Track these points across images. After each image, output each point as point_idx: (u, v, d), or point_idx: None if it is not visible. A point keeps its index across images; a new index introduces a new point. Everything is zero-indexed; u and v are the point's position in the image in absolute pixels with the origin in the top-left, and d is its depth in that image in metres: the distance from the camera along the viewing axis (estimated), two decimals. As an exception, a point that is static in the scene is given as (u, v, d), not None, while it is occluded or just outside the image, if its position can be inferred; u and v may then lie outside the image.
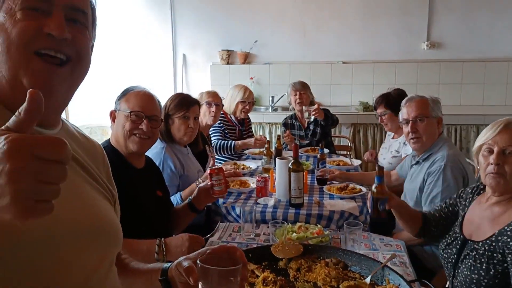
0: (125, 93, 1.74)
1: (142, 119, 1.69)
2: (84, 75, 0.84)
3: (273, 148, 3.20)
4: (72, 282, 0.72)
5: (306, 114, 3.41)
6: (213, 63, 5.01)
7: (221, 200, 2.34)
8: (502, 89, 4.74)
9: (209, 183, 1.82)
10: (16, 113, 0.53)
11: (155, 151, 2.25)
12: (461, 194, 1.77)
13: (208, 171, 1.86)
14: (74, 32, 0.77)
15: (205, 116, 3.14)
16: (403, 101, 2.37)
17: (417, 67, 4.83)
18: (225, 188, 1.84)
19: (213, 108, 3.14)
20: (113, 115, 1.75)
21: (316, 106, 3.40)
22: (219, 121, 3.46)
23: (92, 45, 0.86)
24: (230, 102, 3.56)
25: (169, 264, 0.96)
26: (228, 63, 4.96)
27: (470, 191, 1.73)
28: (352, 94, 4.89)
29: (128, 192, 1.65)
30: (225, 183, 1.84)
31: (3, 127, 0.52)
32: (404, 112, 2.32)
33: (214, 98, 3.18)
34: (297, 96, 3.67)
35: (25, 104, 0.52)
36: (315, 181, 2.68)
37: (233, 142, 3.39)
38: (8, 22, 0.72)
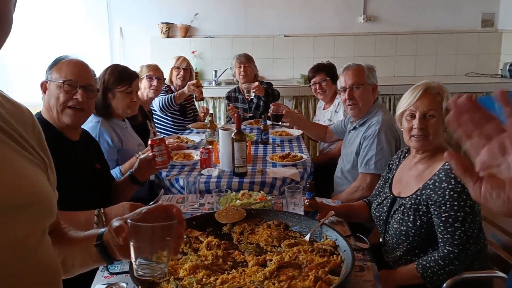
0: (57, 62, 1.65)
1: (76, 88, 1.62)
2: (5, 36, 0.77)
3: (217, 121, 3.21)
4: (0, 252, 0.70)
5: (247, 92, 3.42)
6: (153, 37, 4.85)
7: (164, 173, 2.32)
8: (433, 60, 5.02)
9: (151, 154, 1.80)
10: None
11: (90, 125, 2.17)
12: (390, 164, 1.90)
13: (149, 142, 1.83)
14: None
15: (145, 89, 3.07)
16: (341, 70, 2.46)
17: (354, 40, 4.97)
18: (168, 159, 1.83)
19: (154, 82, 3.08)
20: (44, 86, 1.66)
21: (256, 83, 3.41)
22: (163, 91, 3.41)
23: (15, 2, 0.79)
24: (168, 72, 3.58)
25: (105, 229, 0.94)
26: (168, 37, 4.83)
27: (396, 157, 1.86)
28: (294, 67, 4.96)
29: (64, 166, 1.59)
30: (167, 153, 1.82)
31: None
32: (342, 80, 2.41)
33: (155, 72, 3.11)
34: (242, 69, 3.66)
35: None
36: (259, 146, 2.75)
37: (172, 95, 3.38)
38: None
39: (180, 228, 0.89)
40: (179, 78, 3.59)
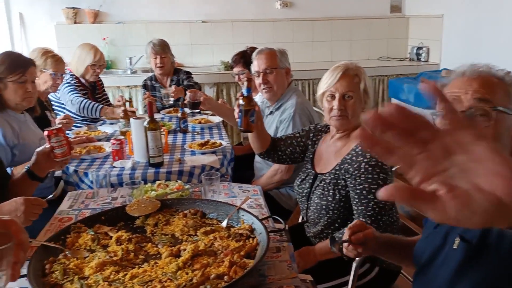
0: None
1: None
2: None
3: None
4: None
5: (165, 97, 3.22)
6: (58, 23, 4.48)
7: (71, 168, 2.15)
8: (347, 45, 5.22)
9: (48, 145, 1.64)
10: None
11: None
12: (313, 128, 1.91)
13: (45, 133, 1.66)
14: None
15: (45, 84, 2.76)
16: (254, 54, 2.44)
17: (272, 26, 5.00)
18: (68, 150, 1.67)
19: (59, 81, 2.83)
20: None
21: (173, 88, 3.21)
22: (70, 79, 3.14)
23: None
24: (78, 64, 3.22)
25: None
26: (75, 23, 4.48)
27: (320, 129, 1.89)
28: (214, 53, 4.87)
29: None
30: (68, 144, 1.67)
31: None
32: (255, 65, 2.40)
33: (60, 68, 2.82)
34: (158, 60, 3.46)
35: None
36: (178, 138, 2.65)
37: (99, 105, 3.10)
38: None
39: (19, 251, 0.75)
40: (93, 75, 3.30)
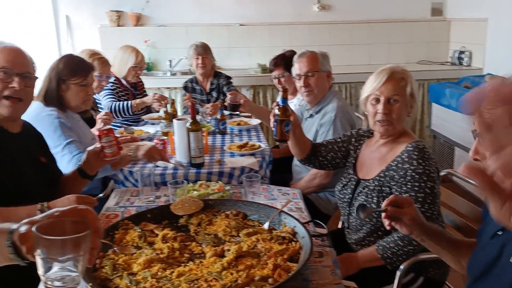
0: (-11, 50, 1.51)
1: (12, 76, 1.49)
2: None
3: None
4: None
5: (204, 116, 3.24)
6: (102, 26, 4.64)
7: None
8: (386, 49, 5.14)
9: (99, 145, 1.70)
10: None
11: (44, 114, 2.06)
12: (355, 133, 1.89)
13: (96, 133, 1.73)
14: None
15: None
16: (295, 57, 2.45)
17: (309, 29, 4.99)
18: (118, 150, 1.73)
19: (104, 82, 2.94)
20: (-24, 76, 1.52)
21: (210, 105, 3.22)
22: (111, 84, 3.25)
23: None
24: (121, 66, 3.33)
25: (18, 225, 0.83)
26: (118, 25, 4.63)
27: (362, 133, 1.87)
28: (250, 56, 4.91)
29: (4, 160, 1.48)
30: (117, 144, 1.72)
31: None
32: (297, 68, 2.40)
33: (106, 71, 2.93)
34: (199, 61, 3.56)
35: None
36: (218, 135, 2.73)
37: (129, 102, 3.21)
38: None
39: (95, 238, 0.80)
40: (135, 76, 3.42)
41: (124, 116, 3.22)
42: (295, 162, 2.53)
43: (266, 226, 1.51)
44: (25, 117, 1.66)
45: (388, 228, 1.19)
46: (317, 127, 2.34)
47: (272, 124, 1.76)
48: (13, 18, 4.37)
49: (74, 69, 2.15)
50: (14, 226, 0.83)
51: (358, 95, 4.61)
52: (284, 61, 3.07)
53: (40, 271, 0.75)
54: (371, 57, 5.12)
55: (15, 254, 0.82)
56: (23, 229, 0.80)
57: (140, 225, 1.52)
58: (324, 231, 1.53)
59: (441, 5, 5.14)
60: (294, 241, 1.39)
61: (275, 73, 3.13)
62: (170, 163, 2.14)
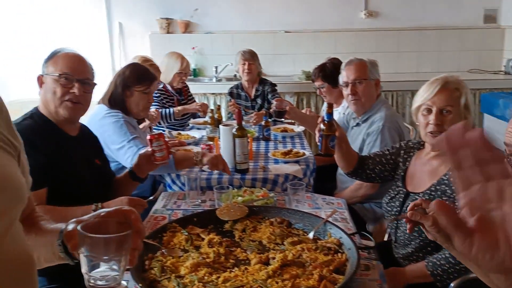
0: (53, 55, 1.61)
1: (73, 82, 1.58)
2: None
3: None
4: None
5: (249, 123, 3.26)
6: (152, 32, 4.80)
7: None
8: (435, 56, 4.98)
9: (150, 149, 1.76)
10: None
11: (111, 114, 2.18)
12: (404, 145, 1.84)
13: (148, 137, 1.79)
14: None
15: None
16: (343, 64, 2.42)
17: (356, 36, 4.92)
18: (167, 154, 1.79)
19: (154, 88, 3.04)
20: (40, 80, 1.62)
21: (254, 114, 3.26)
22: (156, 90, 3.35)
23: None
24: (166, 72, 3.43)
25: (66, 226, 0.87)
26: (168, 32, 4.78)
27: (411, 145, 1.81)
28: (295, 63, 4.91)
29: (62, 161, 1.57)
30: (167, 148, 1.78)
31: None
32: (344, 75, 2.37)
33: (158, 78, 3.05)
34: (246, 66, 3.62)
35: None
36: (262, 140, 2.77)
37: (172, 109, 3.31)
38: None
39: (137, 238, 0.82)
40: (180, 82, 3.51)
41: (169, 122, 3.31)
42: (340, 171, 2.49)
43: (311, 235, 1.50)
44: (91, 117, 1.75)
45: (408, 231, 1.17)
46: (364, 136, 2.30)
47: (317, 138, 1.76)
48: (70, 25, 4.62)
49: (139, 77, 2.27)
50: (63, 226, 0.87)
51: (405, 104, 4.50)
52: (323, 72, 3.06)
53: (83, 269, 0.78)
54: (419, 65, 4.98)
55: (64, 253, 0.85)
56: (70, 227, 0.84)
57: (187, 228, 1.56)
58: (371, 243, 1.50)
59: (495, 12, 4.92)
60: (340, 252, 1.38)
61: (316, 84, 3.15)
62: (229, 175, 2.17)
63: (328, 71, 3.03)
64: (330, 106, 1.74)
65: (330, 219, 1.59)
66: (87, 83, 1.62)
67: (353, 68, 2.33)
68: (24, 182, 0.80)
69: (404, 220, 1.61)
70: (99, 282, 0.77)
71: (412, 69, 4.98)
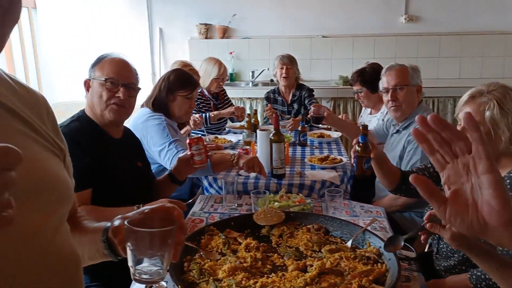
0: (99, 60, 1.67)
1: (118, 86, 1.63)
2: (14, 23, 0.72)
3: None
4: (13, 242, 0.67)
5: (285, 128, 3.26)
6: (191, 38, 4.90)
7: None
8: (478, 62, 4.81)
9: (189, 153, 1.79)
10: None
11: (154, 117, 2.24)
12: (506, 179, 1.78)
13: (187, 141, 1.82)
14: None
15: None
16: (383, 70, 2.37)
17: (395, 41, 4.84)
18: (206, 158, 1.81)
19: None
20: (87, 84, 1.69)
21: (291, 121, 3.24)
22: None
23: None
24: (204, 77, 3.49)
25: (110, 223, 0.91)
26: (206, 38, 4.86)
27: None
28: (332, 68, 4.87)
29: (105, 163, 1.62)
30: (205, 152, 1.80)
31: None
32: (384, 81, 2.33)
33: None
34: (284, 71, 3.62)
35: None
36: (298, 145, 2.76)
37: (207, 114, 3.36)
38: None
39: (180, 234, 0.84)
40: (217, 87, 3.57)
41: (205, 126, 3.36)
42: (379, 178, 2.45)
43: (349, 244, 1.48)
44: (134, 120, 1.81)
45: (422, 241, 1.17)
46: (405, 143, 2.24)
47: (352, 160, 1.76)
48: (113, 30, 4.78)
49: (183, 82, 2.34)
50: (109, 224, 0.91)
51: (446, 110, 4.37)
52: (361, 76, 3.03)
53: (130, 262, 0.81)
54: (462, 71, 4.82)
55: (108, 249, 0.89)
56: (116, 223, 0.87)
57: (224, 232, 1.57)
58: (412, 254, 1.46)
59: (543, 16, 4.71)
60: (380, 262, 1.34)
61: (354, 88, 3.12)
62: (266, 178, 2.17)
63: (368, 76, 2.99)
64: (365, 128, 1.73)
65: (369, 228, 1.56)
66: (132, 88, 1.68)
67: (393, 73, 2.29)
68: (70, 183, 0.83)
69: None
70: (144, 276, 0.80)
71: (454, 75, 4.83)
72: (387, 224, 1.74)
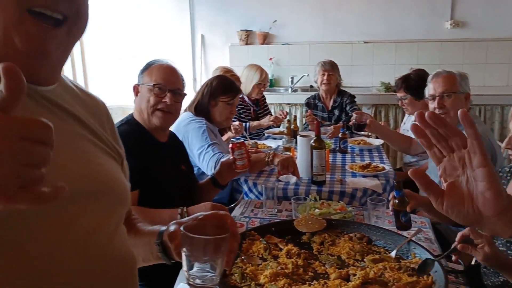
0: (148, 67, 1.73)
1: (165, 92, 1.68)
2: (83, 32, 0.76)
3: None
4: (73, 242, 0.70)
5: (325, 136, 3.24)
6: (232, 44, 4.96)
7: (242, 177, 2.34)
8: (529, 69, 4.60)
9: (231, 157, 1.81)
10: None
11: (195, 120, 2.30)
12: (498, 171, 1.71)
13: (230, 145, 1.85)
14: None
15: None
16: (430, 77, 2.32)
17: (440, 47, 4.70)
18: (248, 163, 1.83)
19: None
20: (136, 89, 1.75)
21: (331, 129, 3.21)
22: None
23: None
24: (246, 83, 3.53)
25: (166, 227, 0.93)
26: (247, 44, 4.91)
27: (507, 169, 1.68)
28: (373, 74, 4.79)
29: (152, 165, 1.66)
30: (248, 157, 1.82)
31: None
32: (431, 88, 2.27)
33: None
34: (325, 77, 3.60)
35: (4, 81, 0.46)
36: (338, 151, 2.74)
37: (247, 123, 3.38)
38: None
39: (233, 242, 0.85)
40: (259, 93, 3.59)
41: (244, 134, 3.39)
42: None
43: (393, 254, 1.44)
44: (177, 124, 1.86)
45: (454, 262, 1.15)
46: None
47: (390, 213, 1.74)
48: (157, 36, 4.92)
49: (225, 88, 2.39)
50: (164, 227, 0.93)
51: (493, 119, 4.19)
52: (406, 82, 2.97)
53: (185, 267, 0.82)
54: (510, 78, 4.62)
55: (162, 252, 0.91)
56: (172, 228, 0.89)
57: (265, 237, 1.57)
58: (459, 267, 1.41)
59: None
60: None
61: (398, 95, 3.05)
62: (298, 179, 2.16)
63: (412, 82, 2.92)
64: (399, 183, 1.69)
65: (413, 238, 1.51)
66: (178, 93, 1.72)
67: (441, 80, 2.22)
68: (127, 187, 0.86)
69: (498, 243, 1.50)
70: (198, 281, 0.81)
71: (502, 82, 4.63)
72: (432, 235, 1.69)
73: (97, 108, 0.88)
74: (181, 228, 0.80)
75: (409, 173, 0.67)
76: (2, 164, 0.44)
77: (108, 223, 0.78)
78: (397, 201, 1.66)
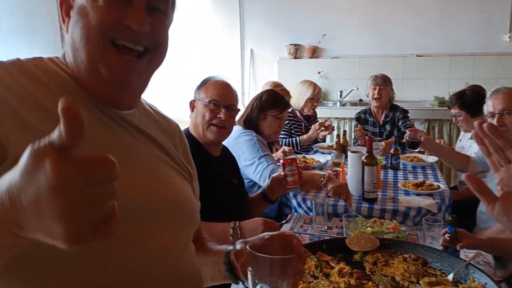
0: (204, 83, 1.80)
1: (220, 107, 1.74)
2: (162, 61, 0.81)
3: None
4: (147, 257, 0.73)
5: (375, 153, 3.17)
6: (281, 58, 5.01)
7: (291, 192, 2.34)
8: None
9: (282, 173, 1.83)
10: (59, 131, 0.42)
11: (246, 133, 2.36)
12: None
13: (281, 161, 1.86)
14: (154, 22, 0.74)
15: None
16: (489, 93, 2.23)
17: (498, 61, 4.49)
18: (298, 179, 1.83)
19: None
20: (192, 105, 1.82)
21: (383, 144, 3.08)
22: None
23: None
24: (299, 98, 3.54)
25: (232, 246, 0.94)
26: (295, 58, 4.94)
27: None
28: (426, 88, 4.66)
29: (206, 179, 1.70)
30: (298, 173, 1.83)
31: (47, 141, 0.42)
32: (490, 105, 2.18)
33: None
34: (376, 91, 3.54)
35: (64, 125, 0.42)
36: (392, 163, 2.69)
37: (298, 138, 3.37)
38: (89, 6, 0.69)
39: (299, 263, 0.84)
40: (311, 108, 3.58)
41: (295, 151, 3.38)
42: (482, 208, 2.27)
43: (450, 277, 1.39)
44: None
45: None
46: None
47: (441, 247, 1.67)
48: (209, 52, 5.06)
49: (274, 102, 2.45)
50: (231, 247, 0.95)
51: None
52: (460, 99, 2.87)
53: (251, 287, 0.82)
54: None
55: (229, 272, 0.92)
56: (238, 246, 0.91)
57: (316, 254, 1.56)
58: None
59: None
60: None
61: (452, 111, 2.96)
62: (350, 208, 2.09)
63: (467, 99, 2.81)
64: (453, 218, 1.62)
65: (472, 262, 1.45)
66: (232, 109, 1.77)
67: (501, 97, 2.13)
68: (197, 206, 0.89)
69: None
70: None
71: None
72: (491, 259, 1.62)
73: (171, 129, 0.94)
74: (247, 247, 0.80)
75: (463, 176, 0.70)
76: (71, 214, 0.42)
77: (178, 240, 0.81)
78: (448, 237, 1.60)
